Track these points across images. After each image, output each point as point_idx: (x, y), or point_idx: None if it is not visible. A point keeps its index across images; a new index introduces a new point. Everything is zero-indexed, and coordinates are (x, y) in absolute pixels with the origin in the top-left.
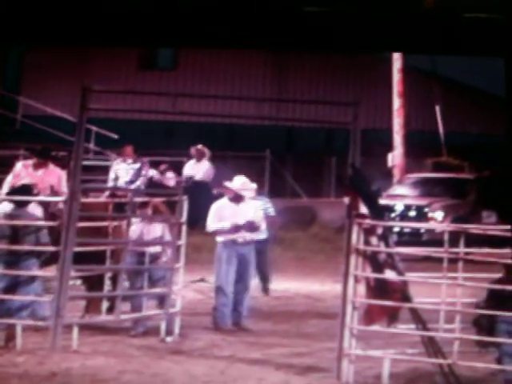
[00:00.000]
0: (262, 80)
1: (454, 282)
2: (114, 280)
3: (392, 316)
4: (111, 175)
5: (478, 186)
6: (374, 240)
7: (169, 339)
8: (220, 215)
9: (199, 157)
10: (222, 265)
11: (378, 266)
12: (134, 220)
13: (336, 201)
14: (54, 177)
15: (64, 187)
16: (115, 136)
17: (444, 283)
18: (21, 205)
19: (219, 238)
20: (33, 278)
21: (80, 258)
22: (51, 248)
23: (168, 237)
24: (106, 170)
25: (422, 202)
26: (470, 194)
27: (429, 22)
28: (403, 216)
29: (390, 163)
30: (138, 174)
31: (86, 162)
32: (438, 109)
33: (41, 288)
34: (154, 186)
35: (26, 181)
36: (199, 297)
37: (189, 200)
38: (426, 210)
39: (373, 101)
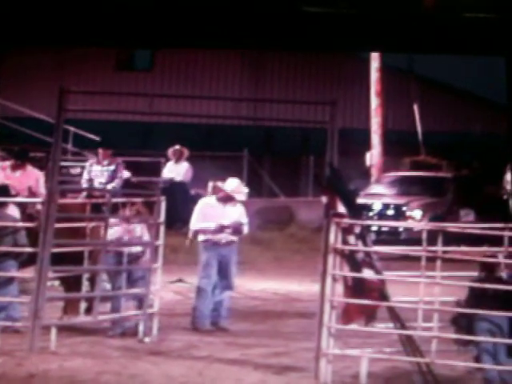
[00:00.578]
0: (239, 80)
1: (432, 280)
2: (92, 281)
3: (370, 315)
4: (85, 176)
5: (455, 184)
6: (351, 239)
7: (147, 340)
8: (205, 214)
9: (178, 158)
10: (204, 266)
11: (355, 265)
12: (113, 221)
13: (314, 200)
14: (32, 178)
15: (42, 188)
16: (95, 137)
17: (422, 282)
18: None
19: (201, 238)
20: (10, 280)
21: (58, 259)
22: (29, 249)
23: (147, 237)
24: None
25: (400, 200)
26: (448, 193)
27: (428, 22)
28: (381, 215)
29: (368, 162)
30: (113, 175)
31: (63, 163)
32: (415, 108)
33: (17, 290)
34: (130, 187)
35: (3, 182)
36: (177, 297)
37: (167, 201)
38: (404, 208)
39: (350, 100)
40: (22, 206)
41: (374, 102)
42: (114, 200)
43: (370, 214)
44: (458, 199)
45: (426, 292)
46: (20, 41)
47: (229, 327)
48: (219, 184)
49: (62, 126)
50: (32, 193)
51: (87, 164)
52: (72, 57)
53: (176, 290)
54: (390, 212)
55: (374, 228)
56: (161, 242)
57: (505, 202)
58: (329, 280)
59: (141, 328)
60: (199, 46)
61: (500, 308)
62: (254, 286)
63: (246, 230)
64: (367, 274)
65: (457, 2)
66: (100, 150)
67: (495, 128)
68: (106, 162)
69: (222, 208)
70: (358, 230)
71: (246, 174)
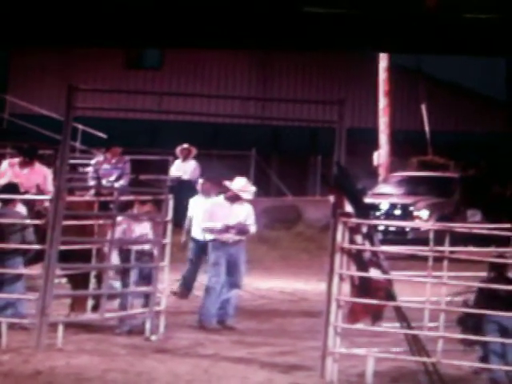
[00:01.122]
0: (247, 79)
1: (439, 280)
2: (99, 278)
3: (376, 314)
4: (91, 174)
5: (463, 184)
6: (358, 238)
7: (153, 338)
8: (212, 213)
9: (185, 156)
10: (213, 265)
11: (362, 265)
12: (121, 218)
13: (321, 199)
14: (40, 175)
15: (50, 186)
16: (103, 135)
17: (429, 282)
18: (7, 203)
19: (209, 237)
20: (18, 277)
21: (65, 257)
22: (37, 246)
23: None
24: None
25: (408, 200)
26: (455, 193)
27: (430, 22)
28: (388, 214)
29: (375, 162)
30: (121, 173)
31: (72, 161)
32: (423, 107)
33: (24, 287)
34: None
35: (12, 179)
36: None
37: (174, 199)
38: (411, 208)
39: (358, 100)
40: (30, 204)
41: (382, 101)
42: (122, 198)
43: (377, 213)
44: (465, 199)
45: (433, 292)
46: (23, 42)
47: (235, 326)
48: (227, 183)
49: (70, 123)
50: (40, 190)
51: (93, 162)
52: (81, 55)
53: None
54: (397, 212)
55: (381, 228)
56: (168, 240)
57: None
58: (336, 279)
59: (147, 326)
60: (199, 46)
61: (510, 309)
62: (261, 284)
63: (253, 229)
64: (374, 273)
65: (459, 2)
66: (112, 149)
67: (504, 128)
68: (114, 161)
69: (228, 207)
70: (365, 229)
71: (253, 173)
